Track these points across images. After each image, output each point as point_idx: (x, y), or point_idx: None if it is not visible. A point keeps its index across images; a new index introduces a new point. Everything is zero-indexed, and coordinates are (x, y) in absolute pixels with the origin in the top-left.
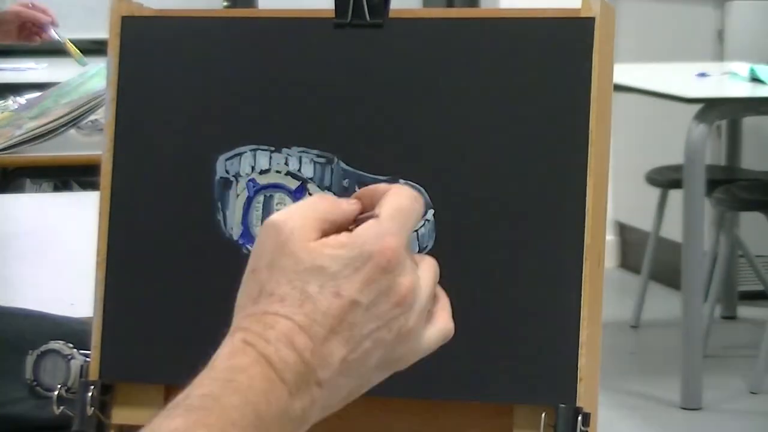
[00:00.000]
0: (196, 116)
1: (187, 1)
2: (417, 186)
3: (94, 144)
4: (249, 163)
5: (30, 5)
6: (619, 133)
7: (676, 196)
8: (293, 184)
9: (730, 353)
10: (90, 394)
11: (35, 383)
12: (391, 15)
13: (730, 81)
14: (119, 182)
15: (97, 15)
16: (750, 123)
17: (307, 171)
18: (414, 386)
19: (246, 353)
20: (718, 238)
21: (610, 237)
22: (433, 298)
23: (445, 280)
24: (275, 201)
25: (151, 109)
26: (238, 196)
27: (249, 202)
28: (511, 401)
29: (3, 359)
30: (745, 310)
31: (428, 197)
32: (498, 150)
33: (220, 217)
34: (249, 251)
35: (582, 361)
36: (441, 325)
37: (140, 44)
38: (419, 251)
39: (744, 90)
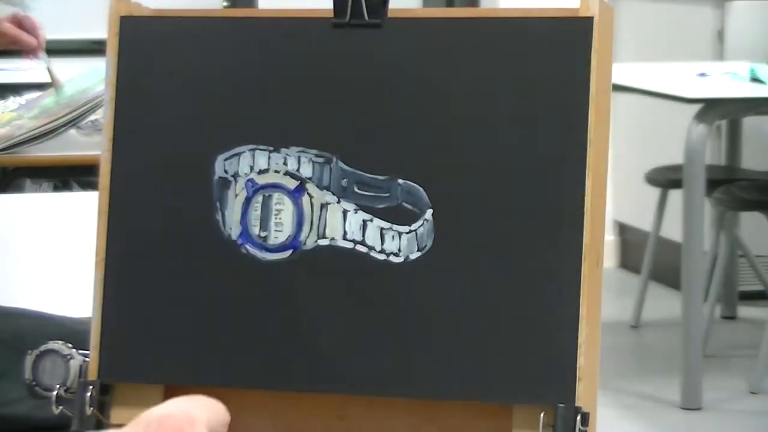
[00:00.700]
0: (194, 116)
1: (187, 1)
2: (416, 185)
3: (94, 144)
4: (248, 163)
5: (20, 21)
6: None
7: (676, 196)
8: (292, 184)
9: (730, 353)
10: (89, 394)
11: (34, 383)
12: (389, 15)
13: (730, 81)
14: (118, 182)
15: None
16: (750, 123)
17: (306, 171)
18: (414, 386)
19: None
20: (718, 238)
21: (610, 237)
22: None
23: (443, 279)
24: (274, 201)
25: (150, 109)
26: (236, 196)
27: (248, 201)
28: (510, 401)
29: (2, 359)
30: (745, 310)
31: (427, 197)
32: (496, 150)
33: (218, 216)
34: (247, 251)
35: (581, 361)
36: None
37: (139, 44)
38: (418, 250)
39: (744, 90)
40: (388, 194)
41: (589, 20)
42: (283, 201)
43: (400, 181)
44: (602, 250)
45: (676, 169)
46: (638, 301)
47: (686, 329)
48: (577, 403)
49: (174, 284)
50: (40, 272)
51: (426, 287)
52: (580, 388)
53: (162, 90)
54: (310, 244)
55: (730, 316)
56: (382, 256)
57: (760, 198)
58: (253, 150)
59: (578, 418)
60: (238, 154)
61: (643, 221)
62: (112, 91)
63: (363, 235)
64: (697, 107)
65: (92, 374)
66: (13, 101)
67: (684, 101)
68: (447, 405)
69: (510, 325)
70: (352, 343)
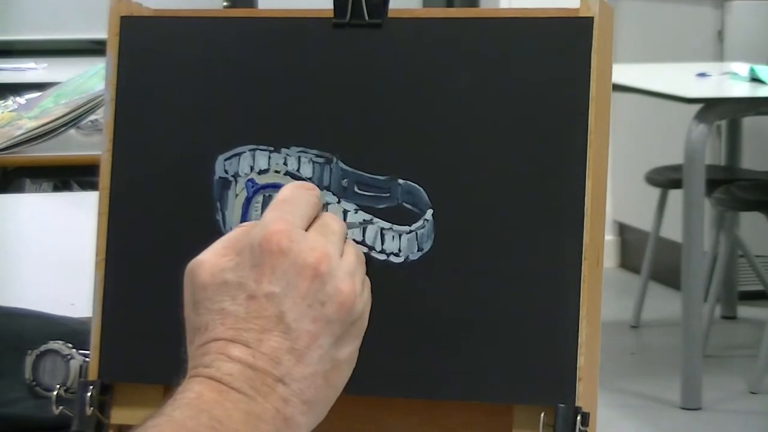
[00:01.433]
0: (195, 116)
1: (187, 1)
2: (416, 186)
3: (94, 144)
4: (248, 163)
5: None
6: (619, 133)
7: (676, 196)
8: None
9: (730, 353)
10: (89, 394)
11: (34, 383)
12: (390, 15)
13: (730, 81)
14: (118, 182)
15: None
16: (750, 123)
17: (306, 171)
18: (414, 386)
19: (191, 383)
20: (718, 238)
21: (610, 237)
22: (354, 253)
23: (444, 280)
24: None
25: (150, 109)
26: (237, 196)
27: (248, 201)
28: (510, 401)
29: (2, 359)
30: (745, 310)
31: (427, 197)
32: (496, 150)
33: (219, 216)
34: None
35: (581, 361)
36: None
37: (139, 44)
38: (418, 251)
39: (744, 90)
40: (388, 194)
41: (589, 20)
42: None
43: (401, 181)
44: (602, 250)
45: (676, 169)
46: (638, 301)
47: (686, 329)
48: (577, 403)
49: (174, 284)
50: (40, 272)
51: (426, 287)
52: (581, 388)
53: (162, 90)
54: None
55: (730, 316)
56: (382, 256)
57: (760, 198)
58: (254, 150)
59: (578, 418)
60: (239, 154)
61: (643, 221)
62: (113, 91)
63: (363, 236)
64: (697, 107)
65: (92, 374)
66: (13, 101)
67: (684, 101)
68: (447, 405)
69: (510, 325)
70: None
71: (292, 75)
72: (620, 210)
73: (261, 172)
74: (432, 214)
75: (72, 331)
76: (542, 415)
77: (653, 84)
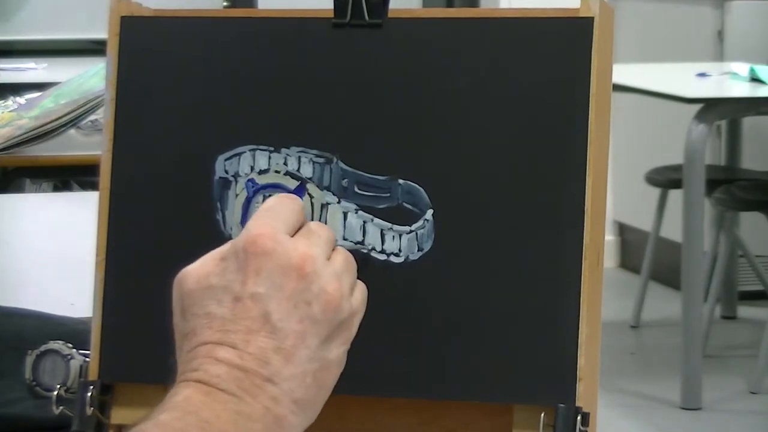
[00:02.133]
0: (195, 116)
1: (188, 1)
2: (416, 186)
3: (94, 144)
4: (248, 163)
5: None
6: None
7: (676, 196)
8: (292, 184)
9: (730, 353)
10: (89, 394)
11: (34, 383)
12: (390, 15)
13: (730, 81)
14: (119, 182)
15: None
16: (750, 123)
17: (306, 171)
18: (414, 386)
19: (179, 388)
20: (718, 238)
21: (610, 237)
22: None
23: (444, 280)
24: None
25: (150, 109)
26: (237, 196)
27: (248, 202)
28: (510, 401)
29: (2, 359)
30: (745, 310)
31: (427, 197)
32: (497, 150)
33: (219, 216)
34: None
35: (581, 361)
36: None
37: (140, 44)
38: (418, 251)
39: (744, 90)
40: (388, 194)
41: (590, 20)
42: None
43: (401, 181)
44: (602, 250)
45: (676, 169)
46: (638, 301)
47: (686, 329)
48: (578, 403)
49: None
50: (40, 272)
51: (426, 287)
52: (581, 388)
53: (162, 90)
54: None
55: (730, 316)
56: (382, 257)
57: (760, 198)
58: (254, 150)
59: (578, 418)
60: (239, 154)
61: (643, 221)
62: (113, 91)
63: (363, 236)
64: (697, 107)
65: (92, 374)
66: (13, 101)
67: (684, 101)
68: (447, 405)
69: (510, 325)
70: (352, 343)
71: (292, 75)
72: (620, 210)
73: (261, 172)
74: (432, 214)
75: (72, 331)
76: (542, 415)
77: (653, 84)
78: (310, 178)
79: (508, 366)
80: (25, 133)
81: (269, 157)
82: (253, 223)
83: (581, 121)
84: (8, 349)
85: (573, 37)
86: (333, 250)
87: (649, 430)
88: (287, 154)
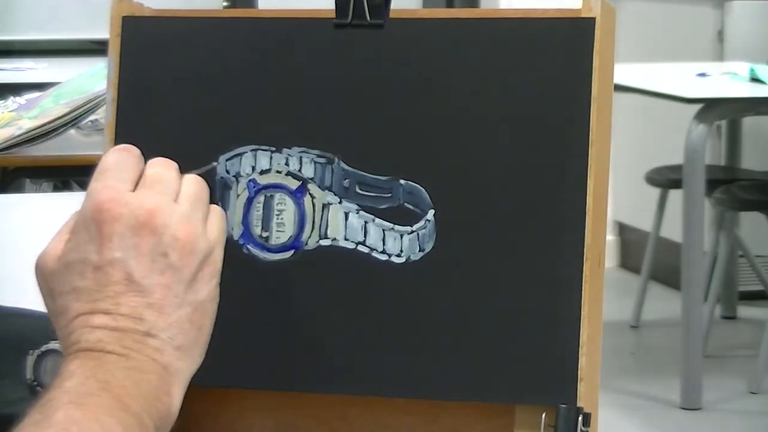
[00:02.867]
0: (196, 116)
1: (188, 1)
2: (417, 186)
3: (94, 144)
4: (249, 163)
5: None
6: (619, 133)
7: (676, 196)
8: (294, 184)
9: (730, 353)
10: None
11: (36, 383)
12: (391, 15)
13: (730, 81)
14: None
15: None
16: (750, 123)
17: (308, 171)
18: (414, 386)
19: (68, 361)
20: (718, 238)
21: (610, 237)
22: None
23: (445, 280)
24: (276, 201)
25: (151, 109)
26: (238, 196)
27: (249, 202)
28: (511, 401)
29: (3, 359)
30: (745, 310)
31: (429, 197)
32: (498, 150)
33: None
34: (249, 251)
35: (582, 361)
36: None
37: (141, 44)
38: (420, 251)
39: (744, 90)
40: (389, 195)
41: (591, 21)
42: (285, 201)
43: (402, 181)
44: (604, 250)
45: (676, 169)
46: (638, 301)
47: (686, 329)
48: (579, 404)
49: None
50: None
51: (428, 288)
52: (582, 388)
53: (163, 90)
54: (311, 244)
55: (730, 316)
56: (383, 257)
57: (760, 198)
58: (255, 150)
59: (580, 418)
60: (240, 155)
61: (643, 221)
62: (114, 91)
63: (365, 236)
64: (697, 107)
65: None
66: (13, 101)
67: (684, 101)
68: (448, 405)
69: (511, 325)
70: (353, 343)
71: (293, 75)
72: (620, 210)
73: (263, 172)
74: (433, 215)
75: None
76: (543, 415)
77: (653, 84)
78: (311, 179)
79: (510, 366)
80: (25, 133)
81: (271, 158)
82: (94, 188)
83: (583, 122)
84: (9, 349)
85: (574, 37)
86: (178, 182)
87: (649, 430)
88: (289, 155)
